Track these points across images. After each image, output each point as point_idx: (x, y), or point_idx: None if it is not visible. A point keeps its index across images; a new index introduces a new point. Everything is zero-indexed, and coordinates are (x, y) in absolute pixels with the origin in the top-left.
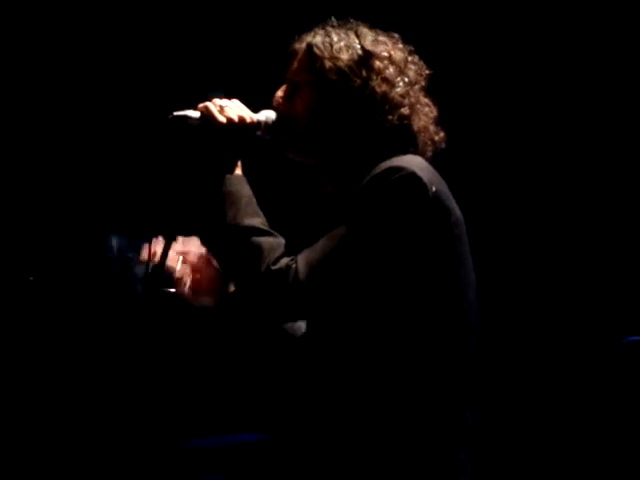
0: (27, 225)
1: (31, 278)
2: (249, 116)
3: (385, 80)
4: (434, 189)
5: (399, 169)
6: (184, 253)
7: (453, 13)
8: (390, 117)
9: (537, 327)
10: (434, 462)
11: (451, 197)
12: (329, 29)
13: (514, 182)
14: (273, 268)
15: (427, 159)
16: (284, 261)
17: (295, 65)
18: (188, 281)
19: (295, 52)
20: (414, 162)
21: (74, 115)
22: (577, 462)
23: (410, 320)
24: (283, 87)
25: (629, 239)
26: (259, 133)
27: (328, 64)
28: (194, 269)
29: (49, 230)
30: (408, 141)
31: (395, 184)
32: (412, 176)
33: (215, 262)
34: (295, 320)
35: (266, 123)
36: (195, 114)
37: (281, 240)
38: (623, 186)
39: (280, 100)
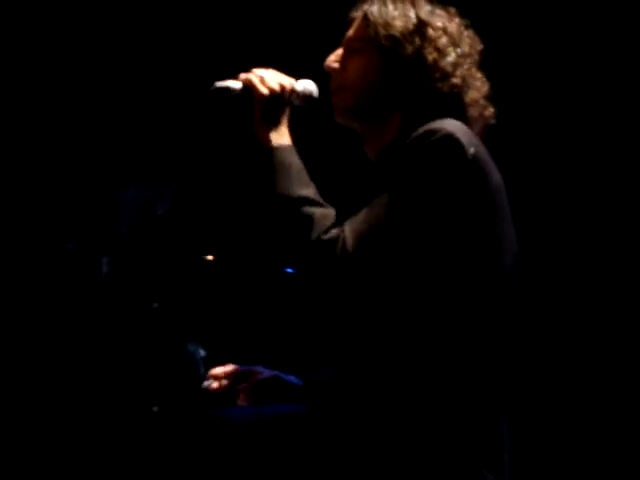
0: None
1: (70, 246)
2: (289, 83)
3: (437, 49)
4: (472, 150)
5: (436, 131)
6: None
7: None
8: (440, 85)
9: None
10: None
11: (490, 161)
12: None
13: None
14: (324, 238)
15: (476, 134)
16: (335, 231)
17: (351, 32)
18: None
19: (353, 19)
20: (452, 124)
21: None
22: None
23: (452, 283)
24: (337, 52)
25: None
26: (297, 102)
27: (382, 31)
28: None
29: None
30: (458, 112)
31: (433, 146)
32: (449, 137)
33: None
34: (344, 289)
35: (304, 92)
36: (237, 85)
37: (332, 211)
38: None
39: (334, 64)
